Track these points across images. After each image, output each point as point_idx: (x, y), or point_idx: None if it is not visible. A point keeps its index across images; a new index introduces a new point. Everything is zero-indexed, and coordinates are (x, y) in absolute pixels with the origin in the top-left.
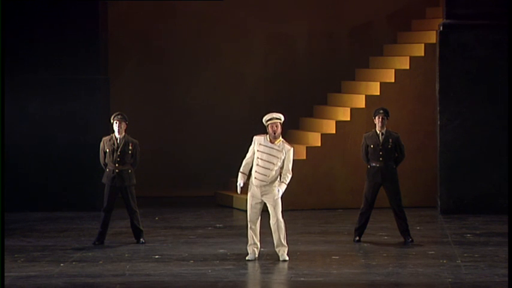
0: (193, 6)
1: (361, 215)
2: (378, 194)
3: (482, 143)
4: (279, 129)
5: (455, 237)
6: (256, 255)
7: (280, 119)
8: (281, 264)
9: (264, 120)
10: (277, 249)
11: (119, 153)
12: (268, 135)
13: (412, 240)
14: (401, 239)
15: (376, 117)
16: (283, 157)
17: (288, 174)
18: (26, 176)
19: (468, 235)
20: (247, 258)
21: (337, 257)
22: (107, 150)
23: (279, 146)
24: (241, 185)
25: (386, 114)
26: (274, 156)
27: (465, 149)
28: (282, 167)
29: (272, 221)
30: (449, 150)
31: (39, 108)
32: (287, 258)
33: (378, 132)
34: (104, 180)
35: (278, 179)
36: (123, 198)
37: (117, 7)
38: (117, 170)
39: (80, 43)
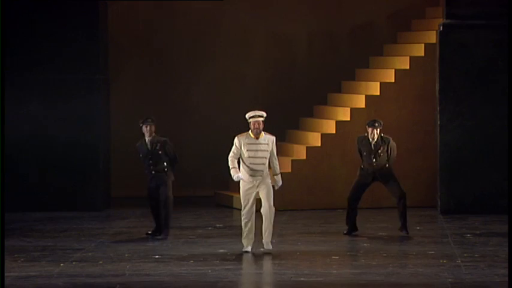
0: (193, 6)
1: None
2: (378, 194)
3: (482, 143)
4: (261, 126)
5: (455, 237)
6: (251, 246)
7: (262, 117)
8: (281, 264)
9: (247, 116)
10: (264, 234)
11: (150, 156)
12: (250, 132)
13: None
14: (401, 239)
15: (370, 129)
16: (270, 149)
17: (277, 162)
18: (26, 176)
19: (468, 235)
20: (244, 249)
21: (337, 257)
22: (140, 155)
23: (264, 140)
24: (241, 177)
25: (380, 125)
26: (263, 150)
27: (465, 149)
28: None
29: (264, 208)
30: (449, 150)
31: (39, 108)
32: (271, 247)
33: (370, 140)
34: (147, 183)
35: (267, 169)
36: (160, 197)
37: (117, 7)
38: (153, 172)
39: (80, 43)
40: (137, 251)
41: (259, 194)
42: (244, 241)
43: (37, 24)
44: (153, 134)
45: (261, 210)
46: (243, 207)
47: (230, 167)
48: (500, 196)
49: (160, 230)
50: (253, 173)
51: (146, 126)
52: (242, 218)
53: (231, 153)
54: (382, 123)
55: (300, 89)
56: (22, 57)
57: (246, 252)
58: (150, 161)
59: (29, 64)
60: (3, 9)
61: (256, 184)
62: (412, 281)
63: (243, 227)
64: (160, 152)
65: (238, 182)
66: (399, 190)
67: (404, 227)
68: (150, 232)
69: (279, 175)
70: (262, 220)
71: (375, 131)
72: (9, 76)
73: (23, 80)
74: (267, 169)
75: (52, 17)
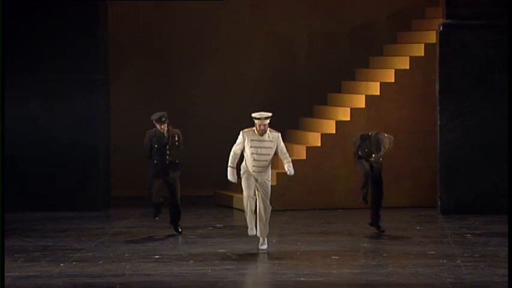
0: (192, 6)
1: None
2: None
3: (482, 143)
4: (267, 127)
5: (455, 237)
6: (256, 229)
7: (268, 118)
8: (281, 264)
9: (253, 116)
10: (260, 234)
11: (167, 147)
12: (255, 129)
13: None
14: (401, 239)
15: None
16: (275, 146)
17: (287, 154)
18: (26, 176)
19: (468, 235)
20: (249, 232)
21: (337, 257)
22: (155, 145)
23: (269, 137)
24: (236, 180)
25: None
26: (267, 147)
27: (465, 149)
28: (275, 153)
29: (260, 207)
30: (449, 150)
31: (39, 108)
32: (265, 247)
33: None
34: (151, 171)
35: (270, 165)
36: (170, 188)
37: (117, 7)
38: (167, 162)
39: (80, 43)
40: (137, 251)
41: (258, 190)
42: (248, 224)
43: (37, 24)
44: (167, 127)
45: (257, 209)
46: (244, 193)
47: (229, 164)
48: (500, 196)
49: (159, 210)
50: (255, 168)
51: (161, 125)
52: (244, 202)
53: (234, 148)
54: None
55: (300, 89)
56: (22, 57)
57: (252, 235)
58: (168, 151)
59: (29, 64)
60: (3, 9)
61: (255, 180)
62: (412, 281)
63: (245, 208)
64: (177, 144)
65: (239, 182)
66: (382, 189)
67: (378, 223)
68: (157, 217)
69: (290, 163)
70: (257, 220)
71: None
72: (9, 76)
73: (23, 80)
74: (270, 166)
75: (52, 17)
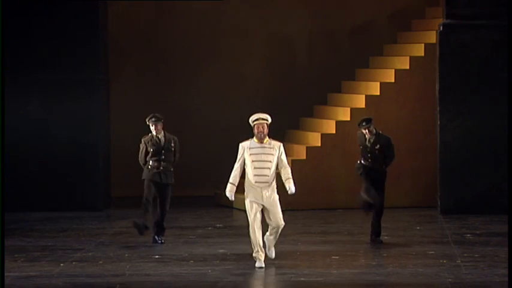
0: (193, 6)
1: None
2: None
3: (482, 143)
4: (266, 130)
5: (455, 237)
6: (263, 259)
7: (266, 120)
8: (281, 264)
9: (250, 120)
10: (268, 246)
11: (163, 151)
12: (254, 137)
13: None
14: (401, 239)
15: (362, 130)
16: (277, 154)
17: (287, 169)
18: (26, 176)
19: (468, 235)
20: (257, 265)
21: (337, 257)
22: (151, 150)
23: (269, 144)
24: (232, 198)
25: (368, 123)
26: (268, 154)
27: (465, 149)
28: (277, 165)
29: (271, 225)
30: (449, 150)
31: (39, 108)
32: (273, 256)
33: (366, 137)
34: (146, 176)
35: (275, 180)
36: (160, 195)
37: (117, 7)
38: (161, 168)
39: (80, 43)
40: (137, 251)
41: (266, 210)
42: (255, 256)
43: (37, 24)
44: (163, 131)
45: (269, 227)
46: (249, 221)
47: (229, 181)
48: (500, 196)
49: (147, 225)
50: (258, 178)
51: (152, 125)
52: (250, 231)
53: (236, 165)
54: (370, 120)
55: (300, 89)
56: (22, 57)
57: (260, 268)
58: (163, 156)
59: (29, 64)
60: (3, 9)
61: (263, 194)
62: (412, 281)
63: (251, 239)
64: (173, 149)
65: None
66: (382, 202)
67: (379, 235)
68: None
69: (291, 179)
70: (267, 232)
71: (365, 131)
72: (9, 76)
73: (23, 80)
74: (274, 181)
75: (52, 17)
